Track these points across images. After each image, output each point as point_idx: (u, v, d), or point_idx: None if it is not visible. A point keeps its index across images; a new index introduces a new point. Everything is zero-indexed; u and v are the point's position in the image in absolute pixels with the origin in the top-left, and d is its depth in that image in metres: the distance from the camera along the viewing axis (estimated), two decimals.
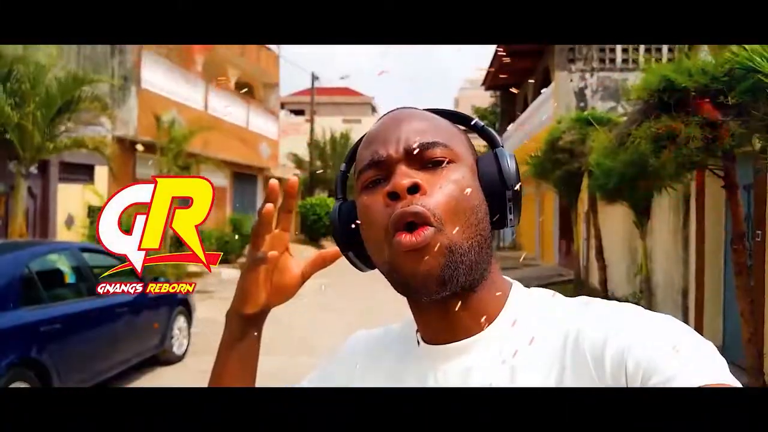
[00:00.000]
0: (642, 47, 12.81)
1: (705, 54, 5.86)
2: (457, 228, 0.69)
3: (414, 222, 0.68)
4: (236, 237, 15.71)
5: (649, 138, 4.83)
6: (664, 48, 12.51)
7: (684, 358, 0.60)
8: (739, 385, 0.58)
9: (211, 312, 9.71)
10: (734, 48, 4.60)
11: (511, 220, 0.74)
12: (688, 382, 0.57)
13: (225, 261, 15.15)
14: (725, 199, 6.49)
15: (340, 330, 8.64)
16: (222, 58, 18.25)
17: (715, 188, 6.79)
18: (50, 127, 8.56)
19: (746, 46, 4.37)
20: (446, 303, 0.72)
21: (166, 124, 12.31)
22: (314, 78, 26.61)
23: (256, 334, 0.85)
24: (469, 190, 0.71)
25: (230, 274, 13.95)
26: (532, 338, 0.71)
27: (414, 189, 0.68)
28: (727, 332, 6.42)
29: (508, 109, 20.67)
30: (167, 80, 13.59)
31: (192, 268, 12.79)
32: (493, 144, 0.78)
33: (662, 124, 4.76)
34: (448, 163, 0.71)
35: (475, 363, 0.72)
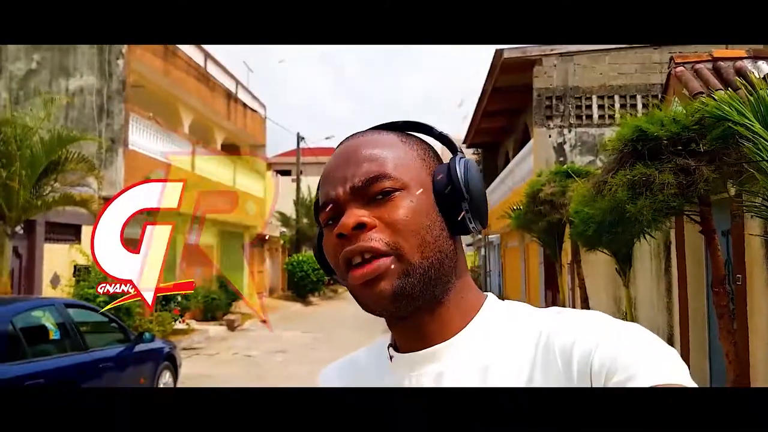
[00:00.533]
0: (617, 102, 13.25)
1: (676, 105, 6.11)
2: (412, 250, 0.71)
3: (364, 258, 0.71)
4: (223, 294, 15.59)
5: (625, 185, 4.97)
6: (639, 104, 12.95)
7: (646, 359, 0.62)
8: (695, 386, 0.61)
9: (196, 368, 9.58)
10: (703, 98, 4.82)
11: (473, 228, 0.75)
12: (648, 381, 0.59)
13: (212, 318, 14.99)
14: (704, 245, 6.63)
15: None
16: (208, 120, 18.55)
17: (694, 234, 6.95)
18: (36, 187, 8.60)
19: (714, 96, 4.59)
20: (415, 315, 0.75)
21: None
22: (300, 138, 27.02)
23: None
24: (419, 212, 0.72)
25: (217, 331, 13.79)
26: (504, 342, 0.73)
27: (360, 226, 0.71)
28: (714, 374, 6.44)
29: (491, 165, 21.04)
30: (153, 141, 13.76)
31: (178, 325, 12.64)
32: (452, 151, 0.80)
33: (637, 171, 4.91)
34: (395, 191, 0.72)
35: (447, 367, 0.74)
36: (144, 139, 13.30)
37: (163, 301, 12.99)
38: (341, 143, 0.80)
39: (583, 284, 9.72)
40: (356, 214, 0.71)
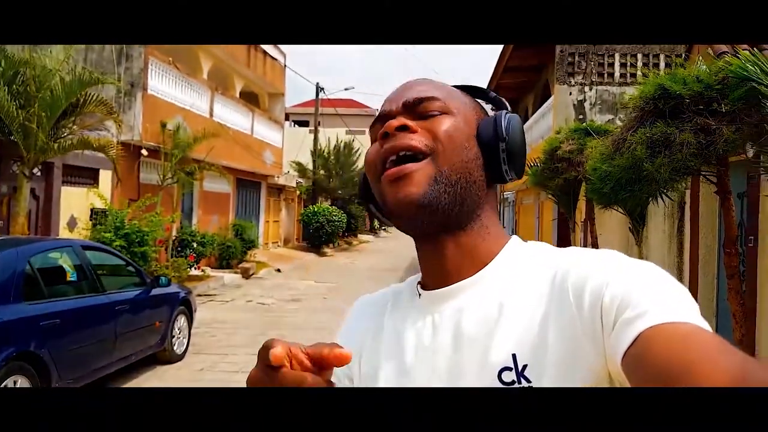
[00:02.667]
0: (640, 61, 12.94)
1: (700, 64, 5.96)
2: (445, 157, 0.76)
3: (399, 157, 0.76)
4: (238, 243, 15.78)
5: (644, 143, 4.91)
6: (662, 63, 12.63)
7: (658, 296, 0.63)
8: (708, 327, 0.60)
9: (211, 314, 9.82)
10: (728, 57, 4.70)
11: (507, 171, 0.80)
12: (658, 318, 0.59)
13: (227, 266, 15.23)
14: (718, 206, 6.57)
15: (338, 329, 8.70)
16: (228, 67, 18.44)
17: (709, 195, 6.88)
18: (55, 129, 8.66)
19: (739, 55, 4.47)
20: (439, 243, 0.79)
21: (171, 129, 12.45)
22: (319, 89, 26.78)
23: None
24: (460, 133, 0.78)
25: (232, 278, 14.03)
26: (521, 280, 0.76)
27: (403, 128, 0.77)
28: (720, 333, 6.46)
29: None
30: (172, 87, 13.74)
31: (193, 271, 12.86)
32: (499, 106, 0.87)
33: (657, 129, 4.84)
34: (442, 114, 0.78)
35: (466, 303, 0.77)
36: (163, 84, 13.27)
37: (179, 247, 13.21)
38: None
39: (596, 242, 9.70)
40: (401, 119, 0.77)
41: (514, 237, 0.83)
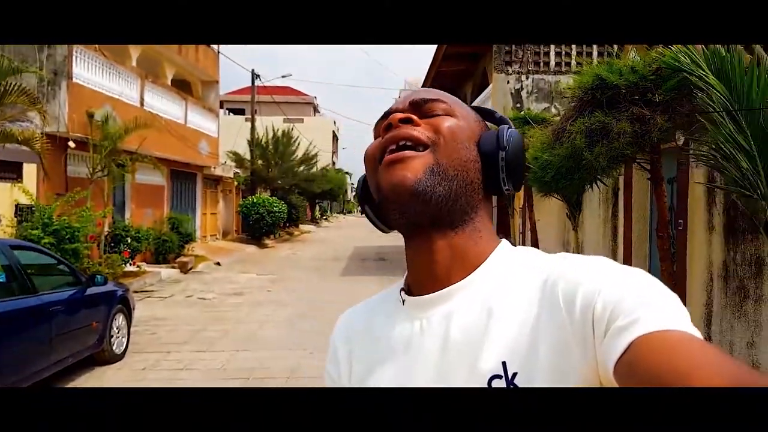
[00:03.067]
0: (574, 50, 13.31)
1: (634, 55, 6.18)
2: (446, 150, 0.77)
3: (399, 146, 0.77)
4: (175, 236, 15.36)
5: (584, 133, 5.07)
6: (595, 52, 13.03)
7: (649, 304, 0.62)
8: (699, 335, 0.60)
9: (150, 311, 9.53)
10: (660, 48, 4.89)
11: (504, 180, 0.80)
12: (650, 326, 0.59)
13: (164, 261, 14.80)
14: (650, 192, 6.85)
15: (283, 322, 8.63)
16: (158, 54, 17.81)
17: (642, 181, 7.18)
18: None
19: (672, 46, 4.66)
20: (430, 240, 0.78)
21: (99, 120, 11.94)
22: (255, 76, 26.26)
23: None
24: (462, 132, 0.79)
25: (169, 273, 13.65)
26: (510, 286, 0.75)
27: (407, 120, 0.78)
28: None
29: None
30: (100, 75, 13.16)
31: (128, 267, 12.44)
32: (501, 123, 0.87)
33: (595, 119, 5.01)
34: (447, 115, 0.80)
35: (455, 308, 0.76)
36: (89, 72, 12.68)
37: (112, 243, 12.73)
38: None
39: (534, 228, 9.97)
40: (407, 113, 0.80)
41: (504, 241, 0.83)
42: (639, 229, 7.58)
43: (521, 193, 10.39)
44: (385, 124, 0.80)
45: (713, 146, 4.15)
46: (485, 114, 0.90)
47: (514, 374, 0.69)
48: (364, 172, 0.87)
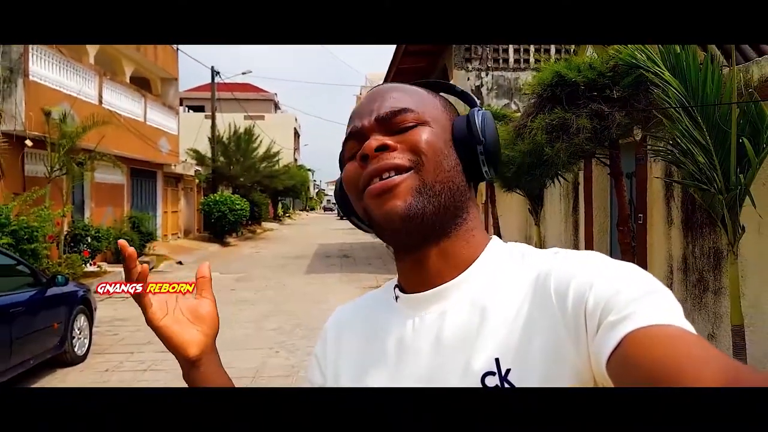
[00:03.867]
0: (533, 48, 13.53)
1: (591, 52, 6.34)
2: (429, 167, 0.75)
3: (382, 177, 0.75)
4: (135, 236, 15.08)
5: (544, 129, 5.18)
6: (552, 49, 13.27)
7: (642, 299, 0.62)
8: (692, 329, 0.60)
9: (112, 311, 9.35)
10: (617, 46, 5.03)
11: (486, 172, 0.80)
12: (643, 321, 0.59)
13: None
14: (610, 186, 7.04)
15: (248, 321, 8.58)
16: (116, 51, 17.43)
17: (601, 176, 7.36)
18: None
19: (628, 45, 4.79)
20: (423, 253, 0.78)
21: (56, 118, 11.65)
22: (215, 73, 25.92)
23: (214, 361, 0.88)
24: (438, 141, 0.77)
25: None
26: (503, 283, 0.75)
27: (382, 148, 0.75)
28: None
29: None
30: (57, 72, 12.84)
31: (89, 268, 12.18)
32: (471, 105, 0.85)
33: (555, 115, 5.12)
34: (417, 125, 0.77)
35: (448, 307, 0.77)
36: (46, 69, 12.36)
37: (72, 243, 12.45)
38: (373, 88, 0.85)
39: (497, 223, 10.12)
40: (379, 138, 0.76)
41: (494, 237, 0.83)
42: (600, 223, 7.77)
43: (483, 188, 10.53)
44: (360, 154, 0.77)
45: (670, 141, 4.28)
46: (446, 89, 0.88)
47: (508, 370, 0.69)
48: (340, 178, 0.85)
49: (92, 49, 15.63)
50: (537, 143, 5.14)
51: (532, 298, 0.72)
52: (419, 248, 0.78)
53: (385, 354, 0.80)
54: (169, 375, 6.05)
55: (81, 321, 6.68)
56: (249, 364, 6.34)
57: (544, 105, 5.36)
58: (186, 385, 0.85)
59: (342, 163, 0.85)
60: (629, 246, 5.55)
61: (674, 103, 4.07)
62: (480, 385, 0.70)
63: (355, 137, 0.80)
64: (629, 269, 0.68)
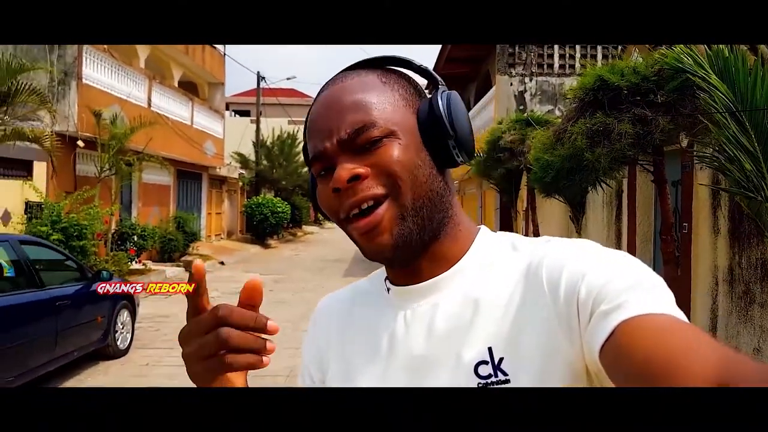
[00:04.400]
0: (578, 53, 13.34)
1: (636, 56, 6.21)
2: (406, 190, 0.72)
3: (361, 208, 0.72)
4: (180, 235, 15.44)
5: (584, 133, 5.09)
6: (599, 54, 13.06)
7: (634, 287, 0.61)
8: (684, 318, 0.59)
9: (154, 308, 9.58)
10: (663, 49, 4.92)
11: (461, 160, 0.76)
12: (635, 310, 0.59)
13: (169, 259, 14.87)
14: (654, 194, 6.87)
15: (284, 321, 8.66)
16: (165, 56, 17.92)
17: (645, 183, 7.19)
18: None
19: (674, 47, 4.68)
20: (413, 262, 0.77)
21: (107, 120, 12.03)
22: (260, 78, 26.38)
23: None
24: (408, 153, 0.73)
25: (174, 272, 13.72)
26: (495, 274, 0.75)
27: (354, 178, 0.71)
28: None
29: None
30: (108, 76, 13.27)
31: (134, 265, 12.52)
32: (433, 84, 0.79)
33: (596, 120, 5.03)
34: (384, 138, 0.72)
35: (440, 299, 0.76)
36: (98, 72, 12.80)
37: (119, 241, 12.82)
38: (322, 89, 0.79)
39: (538, 231, 9.98)
40: (348, 168, 0.71)
41: (483, 228, 0.82)
42: (643, 232, 7.58)
43: (524, 195, 10.41)
44: (332, 187, 0.72)
45: (717, 148, 4.16)
46: (403, 65, 0.81)
47: (501, 359, 0.69)
48: (310, 180, 0.82)
49: (143, 54, 16.11)
50: (577, 148, 5.06)
51: (524, 288, 0.71)
52: (410, 261, 0.77)
53: (377, 345, 0.79)
54: None
55: (124, 316, 6.87)
56: (284, 363, 6.41)
57: (585, 109, 5.27)
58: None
59: (312, 177, 0.80)
60: (673, 255, 5.40)
61: (721, 108, 3.95)
62: (473, 374, 0.70)
63: (318, 160, 0.75)
64: (621, 258, 0.68)
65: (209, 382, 0.65)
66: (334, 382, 0.84)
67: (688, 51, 4.33)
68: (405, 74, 0.81)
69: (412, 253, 0.75)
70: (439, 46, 17.00)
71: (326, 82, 0.79)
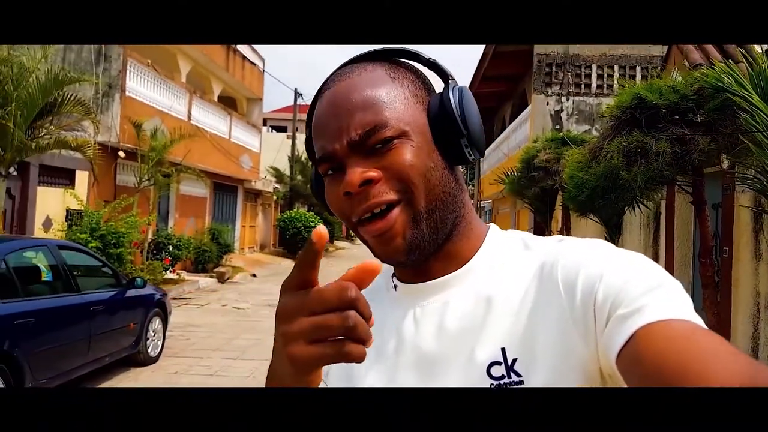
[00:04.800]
0: (617, 72, 13.19)
1: (676, 75, 6.10)
2: (419, 194, 0.70)
3: (374, 212, 0.70)
4: (214, 247, 15.65)
5: (621, 152, 5.01)
6: (638, 75, 12.89)
7: (653, 292, 0.60)
8: (703, 323, 0.58)
9: (186, 317, 9.71)
10: (703, 68, 4.82)
11: (472, 158, 0.75)
12: (654, 315, 0.57)
13: (202, 270, 15.07)
14: (693, 216, 6.70)
15: None
16: (206, 71, 18.33)
17: (684, 205, 7.03)
18: (32, 128, 8.54)
19: (715, 66, 4.59)
20: (425, 263, 0.75)
21: (148, 132, 12.33)
22: (297, 95, 26.75)
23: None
24: (421, 155, 0.71)
25: (207, 282, 13.89)
26: (507, 273, 0.73)
27: (366, 182, 0.69)
28: None
29: (486, 131, 20.98)
30: (151, 89, 13.62)
31: (168, 275, 12.72)
32: (443, 78, 0.77)
33: (633, 138, 4.95)
34: (396, 140, 0.70)
35: (451, 297, 0.74)
36: (141, 85, 13.16)
37: (155, 250, 13.06)
38: (328, 84, 0.75)
39: None
40: (360, 172, 0.69)
41: (492, 226, 0.81)
42: (681, 255, 7.40)
43: (558, 215, 10.28)
44: (342, 191, 0.70)
45: (759, 169, 4.05)
46: (411, 58, 0.78)
47: (514, 360, 0.68)
48: (314, 172, 0.80)
49: (184, 68, 16.51)
50: (613, 166, 4.98)
51: (538, 288, 0.70)
52: (422, 262, 0.75)
53: (384, 344, 0.77)
54: (234, 381, 6.19)
55: (156, 323, 6.96)
56: None
57: (622, 128, 5.19)
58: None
59: (317, 175, 0.79)
60: (712, 280, 5.24)
61: (763, 128, 3.85)
62: (485, 375, 0.68)
63: (328, 160, 0.72)
64: (638, 259, 0.66)
65: (310, 370, 0.54)
66: (335, 379, 0.81)
67: (728, 70, 4.24)
68: (413, 67, 0.78)
69: (425, 255, 0.73)
70: (476, 63, 17.01)
71: (331, 76, 0.76)
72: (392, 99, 0.71)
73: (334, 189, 0.72)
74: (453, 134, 0.73)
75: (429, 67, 0.79)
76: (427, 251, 0.73)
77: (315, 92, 0.79)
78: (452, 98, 0.73)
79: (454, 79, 0.76)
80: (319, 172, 0.77)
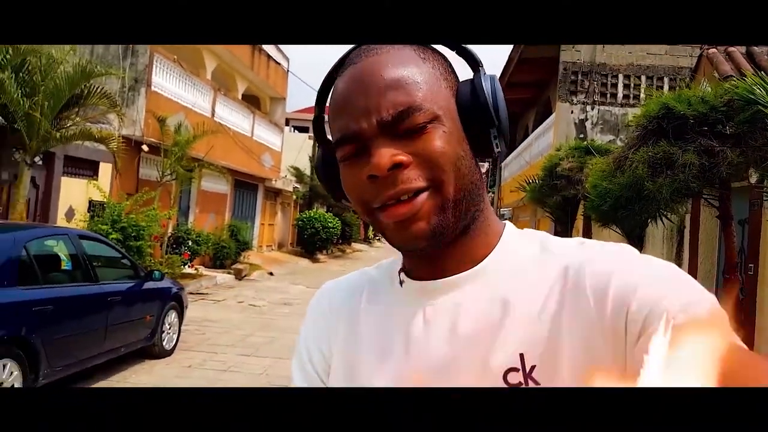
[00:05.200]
0: (644, 82, 13.02)
1: (705, 86, 6.00)
2: (449, 182, 0.66)
3: (399, 199, 0.66)
4: (233, 243, 15.74)
5: (646, 162, 4.92)
6: (666, 85, 12.72)
7: (689, 308, 0.57)
8: (739, 341, 0.56)
9: (203, 312, 9.76)
10: (734, 80, 4.72)
11: (498, 151, 0.71)
12: (697, 338, 0.54)
13: (220, 266, 15.17)
14: (719, 231, 6.58)
15: None
16: (231, 69, 18.47)
17: (710, 220, 6.90)
18: (58, 119, 8.67)
19: (746, 78, 4.49)
20: (438, 253, 0.71)
21: (172, 127, 12.45)
22: None
23: None
24: (453, 143, 0.67)
25: (224, 278, 13.97)
26: (526, 275, 0.70)
27: (396, 166, 0.65)
28: None
29: (510, 138, 20.86)
30: (176, 85, 13.75)
31: (187, 269, 12.81)
32: (473, 66, 0.72)
33: (659, 149, 4.86)
34: (428, 124, 0.66)
35: (464, 297, 0.71)
36: (166, 81, 13.29)
37: (174, 244, 13.16)
38: (352, 59, 0.70)
39: None
40: (390, 154, 0.64)
41: (508, 224, 0.77)
42: (705, 271, 7.26)
43: (579, 225, 10.17)
44: (368, 173, 0.66)
45: None
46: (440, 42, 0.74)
47: (533, 367, 0.64)
48: (320, 155, 0.77)
49: (210, 65, 16.65)
50: (637, 176, 4.90)
51: (562, 293, 0.66)
52: (436, 251, 0.71)
53: (391, 343, 0.73)
54: (246, 377, 6.20)
55: (172, 317, 6.99)
56: None
57: (648, 138, 5.10)
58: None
59: (331, 157, 0.73)
60: (736, 298, 5.13)
61: None
62: (501, 381, 0.65)
63: (350, 141, 0.67)
64: (673, 272, 0.63)
65: None
66: (337, 378, 0.78)
67: (761, 82, 4.15)
68: (438, 50, 0.73)
69: (444, 242, 0.69)
70: (501, 69, 16.94)
71: (355, 51, 0.71)
72: (425, 80, 0.67)
73: (355, 172, 0.68)
74: (484, 123, 0.69)
75: (457, 52, 0.73)
76: (447, 241, 0.69)
77: (331, 67, 0.73)
78: (485, 85, 0.69)
79: (482, 66, 0.72)
80: (327, 153, 0.73)
